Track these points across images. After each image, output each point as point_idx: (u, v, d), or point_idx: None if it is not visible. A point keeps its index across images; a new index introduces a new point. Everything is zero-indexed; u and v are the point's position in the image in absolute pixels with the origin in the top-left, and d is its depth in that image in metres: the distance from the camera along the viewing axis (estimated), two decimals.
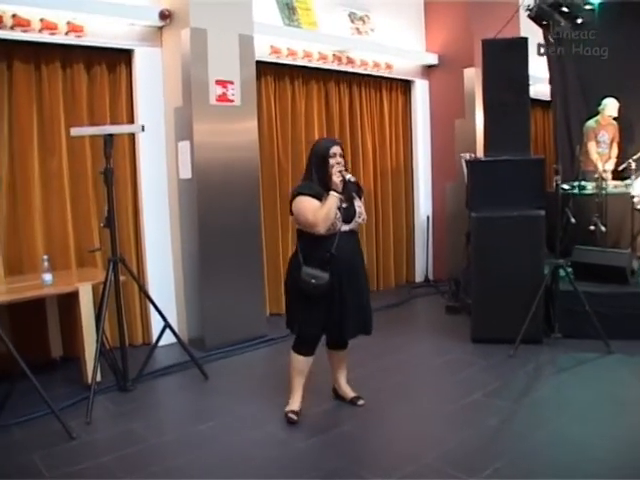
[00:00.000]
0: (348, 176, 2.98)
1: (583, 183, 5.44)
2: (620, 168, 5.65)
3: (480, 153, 5.63)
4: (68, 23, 3.99)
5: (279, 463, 2.75)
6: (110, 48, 4.31)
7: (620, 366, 3.84)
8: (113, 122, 4.34)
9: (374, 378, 3.74)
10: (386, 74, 6.19)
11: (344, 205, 3.02)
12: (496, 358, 4.02)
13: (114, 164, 3.55)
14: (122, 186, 4.43)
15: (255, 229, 4.72)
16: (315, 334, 3.10)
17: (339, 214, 2.98)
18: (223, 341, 4.41)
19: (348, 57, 5.73)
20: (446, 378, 3.82)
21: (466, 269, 5.02)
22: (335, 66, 5.67)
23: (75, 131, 3.61)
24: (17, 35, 3.84)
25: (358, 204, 3.12)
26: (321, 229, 2.94)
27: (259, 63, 4.79)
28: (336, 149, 3.03)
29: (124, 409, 3.41)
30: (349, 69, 5.82)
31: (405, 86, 6.61)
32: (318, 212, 2.93)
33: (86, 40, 4.13)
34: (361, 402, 3.32)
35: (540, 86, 6.27)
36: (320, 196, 2.98)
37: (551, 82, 5.97)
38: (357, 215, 3.09)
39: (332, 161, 3.00)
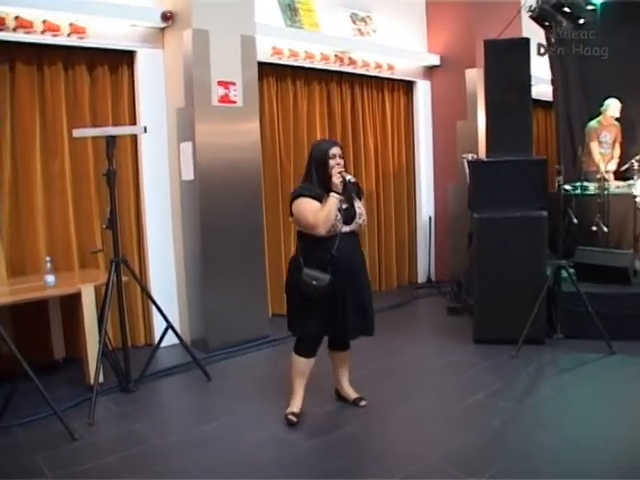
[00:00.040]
0: (348, 177, 2.98)
1: (585, 184, 5.42)
2: (622, 169, 5.64)
3: (482, 154, 5.63)
4: (70, 25, 4.01)
5: (283, 463, 2.75)
6: (112, 49, 4.32)
7: (622, 367, 3.84)
8: (115, 123, 4.34)
9: (376, 379, 3.74)
10: (388, 75, 6.19)
11: (344, 206, 3.02)
12: (498, 359, 4.02)
13: (116, 165, 3.56)
14: (124, 187, 4.43)
15: (257, 230, 4.72)
16: (316, 335, 3.09)
17: (339, 215, 2.97)
18: (225, 342, 4.41)
19: (350, 58, 5.73)
20: (448, 379, 3.82)
21: (468, 270, 5.01)
22: (337, 67, 5.67)
23: (77, 132, 3.62)
24: (19, 37, 3.85)
25: (358, 205, 3.12)
26: (321, 230, 2.94)
27: (261, 64, 4.79)
28: (336, 150, 3.03)
29: (127, 410, 3.42)
30: (351, 70, 5.82)
31: (407, 87, 6.61)
32: (318, 214, 2.93)
33: (88, 41, 4.14)
34: (363, 403, 3.32)
35: (542, 86, 6.26)
36: (320, 197, 2.97)
37: (553, 82, 5.96)
38: (357, 216, 3.08)
39: (332, 162, 3.00)
